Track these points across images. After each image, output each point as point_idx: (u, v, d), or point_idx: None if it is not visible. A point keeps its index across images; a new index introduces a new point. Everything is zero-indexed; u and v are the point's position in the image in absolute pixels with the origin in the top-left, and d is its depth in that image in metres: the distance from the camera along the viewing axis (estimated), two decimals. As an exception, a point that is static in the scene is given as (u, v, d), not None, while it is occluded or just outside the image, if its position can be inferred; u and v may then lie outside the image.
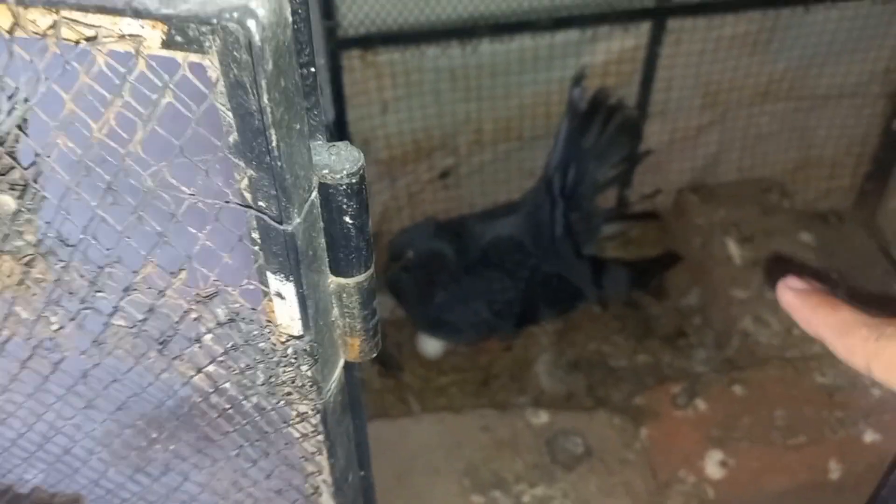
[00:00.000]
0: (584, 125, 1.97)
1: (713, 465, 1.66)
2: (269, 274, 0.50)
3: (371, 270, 0.54)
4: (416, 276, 2.00)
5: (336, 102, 1.97)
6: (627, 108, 2.03)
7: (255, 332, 0.55)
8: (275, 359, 0.55)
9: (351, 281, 0.54)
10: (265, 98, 0.37)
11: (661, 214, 2.29)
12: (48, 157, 0.44)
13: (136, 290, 0.53)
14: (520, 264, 1.98)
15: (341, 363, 0.59)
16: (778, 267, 1.95)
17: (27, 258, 0.54)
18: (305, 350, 0.53)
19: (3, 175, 0.49)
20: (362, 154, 0.47)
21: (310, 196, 0.45)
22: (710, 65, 2.13)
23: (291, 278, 0.50)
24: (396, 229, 2.20)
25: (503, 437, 1.70)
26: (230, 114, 0.38)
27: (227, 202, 0.44)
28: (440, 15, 1.92)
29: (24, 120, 0.44)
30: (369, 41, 1.91)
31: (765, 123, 2.31)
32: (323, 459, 0.66)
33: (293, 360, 0.54)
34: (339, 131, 2.03)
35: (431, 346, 2.09)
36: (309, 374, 0.55)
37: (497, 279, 1.99)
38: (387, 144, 2.15)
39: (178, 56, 0.36)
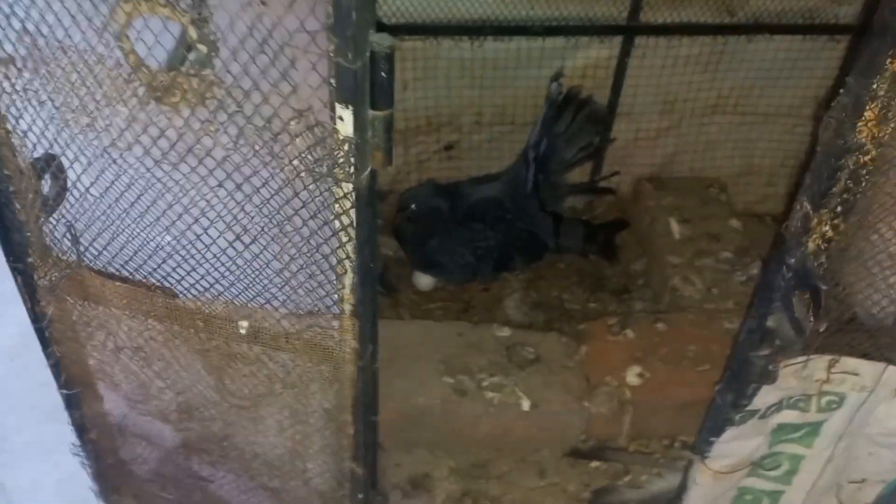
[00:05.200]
0: (559, 114, 2.49)
1: (633, 376, 2.14)
2: (337, 104, 1.00)
3: (391, 110, 1.04)
4: (416, 225, 2.50)
5: (367, 77, 2.47)
6: (595, 102, 2.54)
7: (325, 137, 1.04)
8: (336, 152, 1.04)
9: (380, 114, 1.03)
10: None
11: (616, 191, 2.79)
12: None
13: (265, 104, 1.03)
14: (498, 219, 2.48)
15: (370, 167, 1.08)
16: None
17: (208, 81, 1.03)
18: (353, 145, 1.02)
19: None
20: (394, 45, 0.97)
21: (366, 52, 0.94)
22: (669, 77, 2.63)
23: (350, 106, 1.00)
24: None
25: (473, 341, 2.19)
26: None
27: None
28: (455, 14, 2.44)
29: None
30: (398, 29, 2.43)
31: (714, 132, 2.81)
32: (351, 232, 1.13)
33: (346, 150, 1.03)
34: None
35: (424, 280, 2.59)
36: (352, 160, 1.04)
37: (480, 230, 2.49)
38: (404, 117, 2.66)
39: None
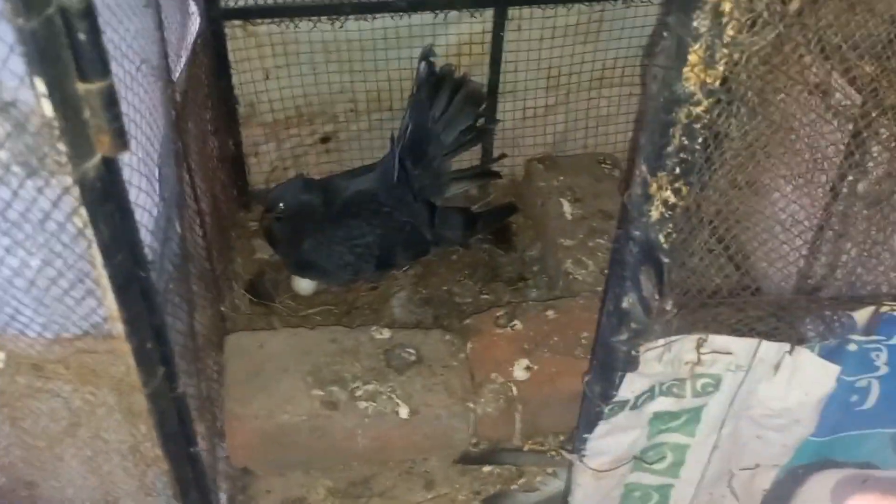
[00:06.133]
0: (433, 96, 2.32)
1: (520, 370, 1.99)
2: (34, 78, 0.81)
3: (109, 81, 0.85)
4: (287, 226, 2.30)
5: (221, 68, 2.27)
6: (472, 82, 2.38)
7: (26, 119, 0.85)
8: (40, 138, 0.85)
9: (93, 87, 0.84)
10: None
11: (505, 175, 2.63)
12: None
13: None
14: (375, 213, 2.30)
15: (99, 156, 0.89)
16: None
17: None
18: (58, 130, 0.83)
19: None
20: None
21: (47, 7, 0.75)
22: (550, 50, 2.49)
23: (44, 78, 0.80)
24: (282, 187, 2.51)
25: (347, 346, 2.01)
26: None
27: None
28: (305, -6, 2.24)
29: None
30: (248, 12, 2.22)
31: (604, 106, 2.68)
32: (90, 235, 0.93)
33: (51, 135, 0.84)
34: (225, 94, 2.33)
35: (304, 284, 2.40)
36: (63, 148, 0.85)
37: (356, 226, 2.30)
38: (270, 109, 2.46)
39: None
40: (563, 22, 2.43)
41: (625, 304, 1.23)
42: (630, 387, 1.34)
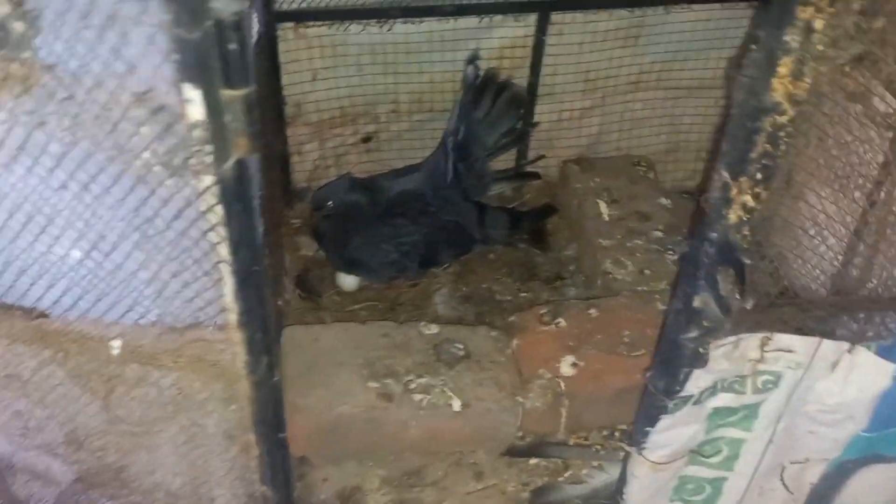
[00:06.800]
0: (478, 99, 2.37)
1: (566, 366, 2.04)
2: (183, 84, 0.87)
3: (251, 88, 0.91)
4: (334, 224, 2.36)
5: (272, 69, 2.33)
6: (514, 86, 2.44)
7: (174, 122, 0.91)
8: (188, 140, 0.91)
9: (237, 93, 0.90)
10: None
11: (542, 176, 2.69)
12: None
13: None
14: (421, 213, 2.36)
15: (235, 157, 0.95)
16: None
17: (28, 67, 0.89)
18: (208, 131, 0.89)
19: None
20: (246, 4, 0.84)
21: (207, 20, 0.80)
22: (589, 55, 2.55)
23: (197, 85, 0.86)
24: (324, 185, 2.57)
25: (398, 341, 2.06)
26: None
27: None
28: (358, -4, 2.30)
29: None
30: (302, 15, 2.28)
31: (638, 109, 2.74)
32: (222, 231, 0.99)
33: (199, 137, 0.89)
34: (274, 94, 2.38)
35: (348, 281, 2.45)
36: (210, 150, 0.91)
37: (402, 225, 2.36)
38: (316, 109, 2.52)
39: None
40: (604, 27, 2.49)
41: (696, 303, 1.29)
42: (696, 383, 1.40)
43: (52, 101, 0.87)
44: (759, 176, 1.14)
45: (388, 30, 2.37)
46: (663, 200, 2.56)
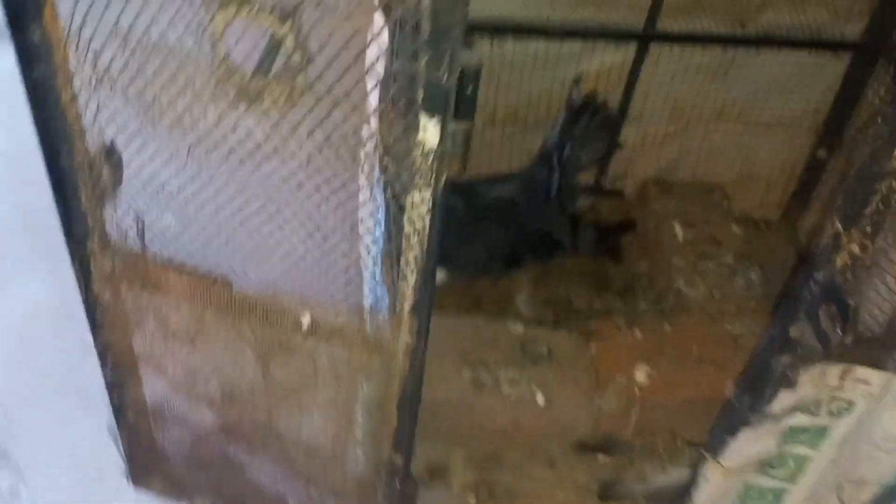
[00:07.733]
0: (577, 118, 2.55)
1: (641, 374, 2.23)
2: (421, 114, 1.06)
3: (470, 122, 1.10)
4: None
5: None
6: (610, 109, 2.61)
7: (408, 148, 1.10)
8: (420, 164, 1.10)
9: (460, 126, 1.09)
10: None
11: (626, 195, 2.87)
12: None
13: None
14: (512, 220, 2.55)
15: (445, 175, 1.14)
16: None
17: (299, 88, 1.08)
18: (437, 156, 1.08)
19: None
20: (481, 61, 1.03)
21: (459, 69, 0.99)
22: (679, 85, 2.71)
23: (437, 117, 1.05)
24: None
25: (487, 336, 2.26)
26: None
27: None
28: (477, 13, 2.47)
29: None
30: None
31: (717, 139, 2.89)
32: (424, 236, 1.18)
33: (430, 160, 1.09)
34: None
35: (437, 275, 2.64)
36: (434, 169, 1.10)
37: (494, 229, 2.55)
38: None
39: None
40: (698, 60, 2.65)
41: (793, 333, 1.47)
42: (780, 403, 1.57)
43: (311, 118, 1.07)
44: (868, 229, 1.31)
45: (499, 47, 2.55)
46: (735, 228, 2.73)
